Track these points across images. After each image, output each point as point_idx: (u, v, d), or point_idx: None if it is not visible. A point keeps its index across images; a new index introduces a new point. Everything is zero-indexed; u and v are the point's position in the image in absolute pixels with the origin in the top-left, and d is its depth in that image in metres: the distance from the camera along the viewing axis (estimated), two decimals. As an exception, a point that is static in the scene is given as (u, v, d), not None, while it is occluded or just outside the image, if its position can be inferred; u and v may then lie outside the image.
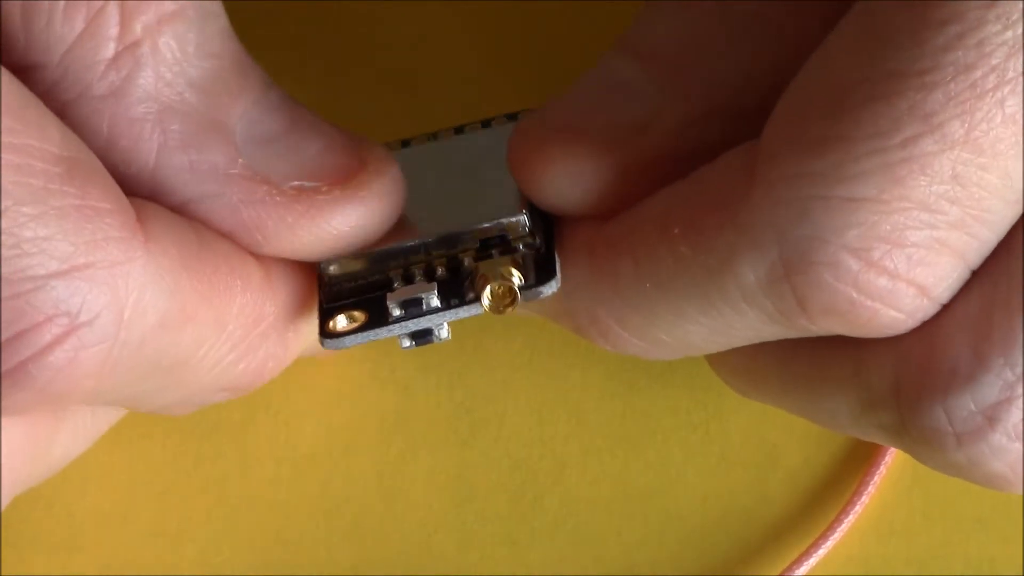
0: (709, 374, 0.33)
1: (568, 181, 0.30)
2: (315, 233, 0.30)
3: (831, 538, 0.36)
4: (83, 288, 0.27)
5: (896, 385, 0.28)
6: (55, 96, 0.28)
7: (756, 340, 0.29)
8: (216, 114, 0.29)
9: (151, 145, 0.29)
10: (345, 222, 0.30)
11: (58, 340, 0.27)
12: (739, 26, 0.30)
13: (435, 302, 0.31)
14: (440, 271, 0.31)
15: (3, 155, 0.26)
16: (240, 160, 0.29)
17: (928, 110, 0.26)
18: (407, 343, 0.31)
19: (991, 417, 0.27)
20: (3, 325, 0.27)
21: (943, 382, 0.28)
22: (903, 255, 0.26)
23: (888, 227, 0.26)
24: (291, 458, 0.36)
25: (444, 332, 0.31)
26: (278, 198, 0.30)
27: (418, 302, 0.31)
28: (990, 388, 0.27)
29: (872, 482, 0.36)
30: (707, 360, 0.32)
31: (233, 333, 0.30)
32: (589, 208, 0.30)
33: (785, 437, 0.36)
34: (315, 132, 0.30)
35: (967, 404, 0.27)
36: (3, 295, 0.27)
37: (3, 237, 0.26)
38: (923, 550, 0.36)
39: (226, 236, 0.30)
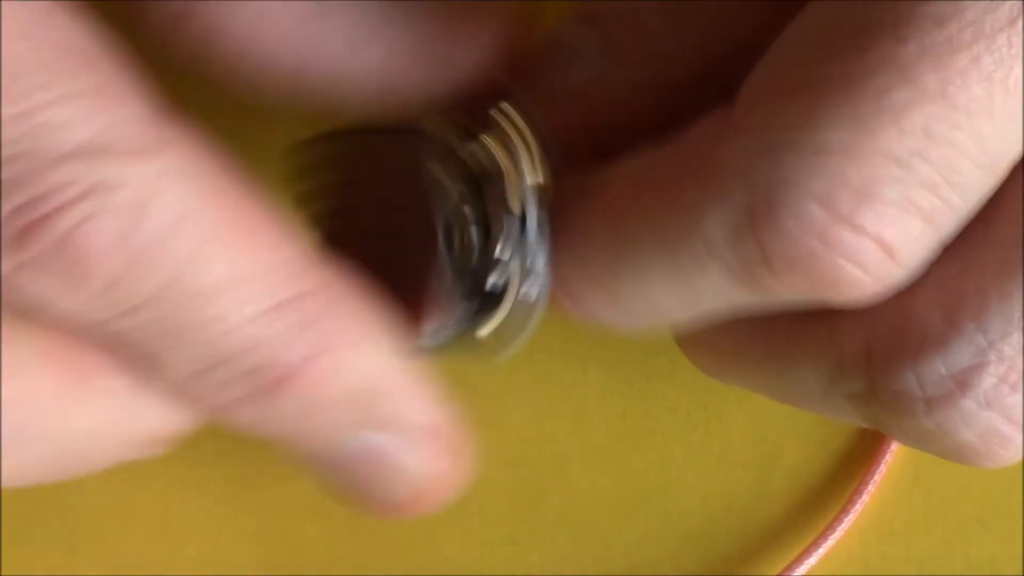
0: (709, 374, 0.33)
1: None
2: None
3: (831, 537, 0.36)
4: (102, 164, 0.27)
5: (867, 350, 0.28)
6: None
7: (722, 306, 0.28)
8: None
9: None
10: None
11: (74, 200, 0.27)
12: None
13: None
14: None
15: (35, 42, 0.27)
16: None
17: (902, 62, 0.25)
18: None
19: (962, 382, 0.27)
20: (19, 191, 0.27)
21: (914, 346, 0.27)
22: (871, 210, 0.26)
23: (857, 178, 0.26)
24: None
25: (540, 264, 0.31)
26: None
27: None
28: (961, 353, 0.27)
29: (872, 482, 0.36)
30: (678, 342, 0.32)
31: (262, 294, 0.29)
32: None
33: (785, 437, 0.36)
34: None
35: (938, 368, 0.27)
36: (26, 167, 0.27)
37: (29, 114, 0.27)
38: (923, 550, 0.36)
39: None
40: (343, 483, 0.31)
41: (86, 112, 0.28)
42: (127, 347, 0.30)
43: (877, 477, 0.36)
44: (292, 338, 0.30)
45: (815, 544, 0.35)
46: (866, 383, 0.28)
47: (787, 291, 0.27)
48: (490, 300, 0.31)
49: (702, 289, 0.28)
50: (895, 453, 0.36)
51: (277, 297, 0.30)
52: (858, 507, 0.35)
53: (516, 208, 0.31)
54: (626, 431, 0.36)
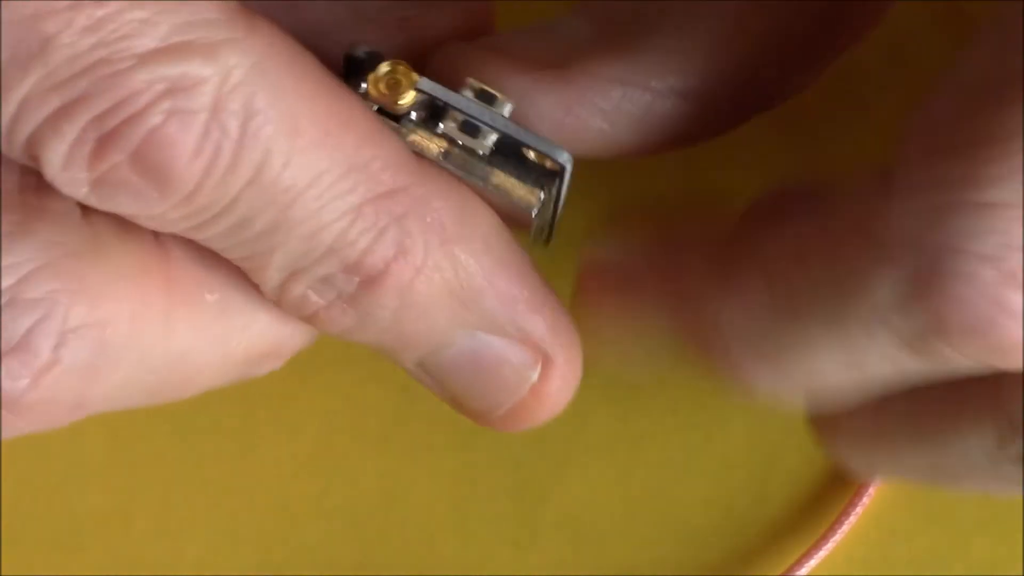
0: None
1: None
2: None
3: (832, 539, 0.36)
4: (177, 63, 0.27)
5: None
6: None
7: (889, 376, 0.27)
8: None
9: None
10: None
11: (151, 104, 0.27)
12: (701, 9, 0.30)
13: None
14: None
15: None
16: None
17: None
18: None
19: None
20: (97, 101, 0.27)
21: None
22: None
23: None
24: (291, 458, 0.36)
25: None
26: None
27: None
28: None
29: (872, 482, 0.36)
30: (816, 435, 0.31)
31: (350, 189, 0.29)
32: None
33: (786, 439, 0.36)
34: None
35: None
36: (102, 74, 0.27)
37: (103, 21, 0.27)
38: (924, 551, 0.36)
39: None
40: (453, 392, 0.31)
41: (158, 12, 0.27)
42: (219, 253, 0.29)
43: (876, 480, 0.36)
44: (381, 236, 0.29)
45: (816, 546, 0.35)
46: None
47: (962, 358, 0.26)
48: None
49: (870, 358, 0.27)
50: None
51: (366, 193, 0.29)
52: (858, 508, 0.35)
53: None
54: (627, 433, 0.36)
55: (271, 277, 0.30)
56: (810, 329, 0.27)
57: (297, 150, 0.28)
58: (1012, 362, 0.26)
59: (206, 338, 0.30)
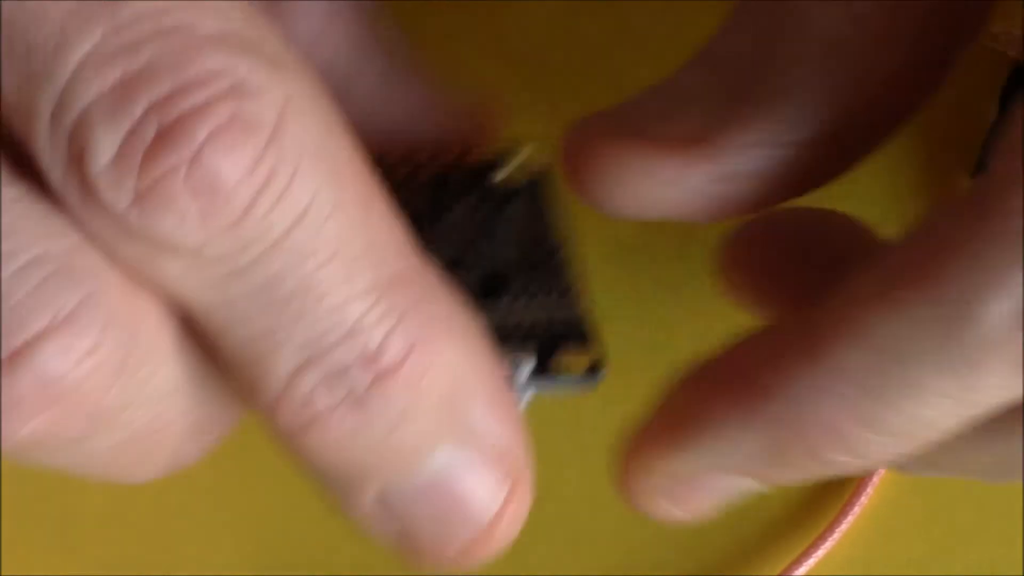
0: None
1: (619, 184, 0.29)
2: None
3: (831, 539, 0.36)
4: (248, 60, 0.24)
5: None
6: None
7: (998, 410, 0.26)
8: None
9: None
10: None
11: (222, 96, 0.24)
12: (823, 49, 0.28)
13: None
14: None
15: None
16: None
17: None
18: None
19: None
20: (170, 75, 0.24)
21: None
22: None
23: None
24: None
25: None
26: None
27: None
28: None
29: (872, 483, 0.36)
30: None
31: (371, 268, 0.26)
32: (634, 209, 0.29)
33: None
34: None
35: None
36: (176, 42, 0.24)
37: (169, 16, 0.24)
38: (923, 551, 0.36)
39: None
40: (410, 528, 0.28)
41: (231, 7, 0.24)
42: (225, 336, 0.26)
43: (876, 478, 0.36)
44: (402, 322, 0.26)
45: (815, 545, 0.35)
46: None
47: None
48: None
49: (983, 394, 0.26)
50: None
51: (389, 274, 0.26)
52: (857, 508, 0.36)
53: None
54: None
55: (283, 363, 0.26)
56: (911, 371, 0.26)
57: (338, 205, 0.25)
58: None
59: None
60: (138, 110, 0.23)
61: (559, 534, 0.36)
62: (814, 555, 0.35)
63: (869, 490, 0.36)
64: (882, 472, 0.36)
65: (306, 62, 0.25)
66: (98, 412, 0.25)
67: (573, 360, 0.31)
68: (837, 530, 0.36)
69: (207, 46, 0.24)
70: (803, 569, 0.35)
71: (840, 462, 0.27)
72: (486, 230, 0.32)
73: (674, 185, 0.29)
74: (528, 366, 0.30)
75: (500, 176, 0.33)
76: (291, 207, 0.25)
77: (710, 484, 0.28)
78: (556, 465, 0.36)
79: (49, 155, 0.24)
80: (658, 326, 0.37)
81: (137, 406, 0.26)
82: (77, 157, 0.24)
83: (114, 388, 0.25)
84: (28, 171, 0.24)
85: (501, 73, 0.38)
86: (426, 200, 0.32)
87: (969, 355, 0.25)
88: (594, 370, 0.31)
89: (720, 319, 0.30)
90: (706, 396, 0.28)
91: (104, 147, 0.23)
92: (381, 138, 0.31)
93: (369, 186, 0.26)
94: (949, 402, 0.26)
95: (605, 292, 0.36)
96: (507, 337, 0.31)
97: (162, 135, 0.23)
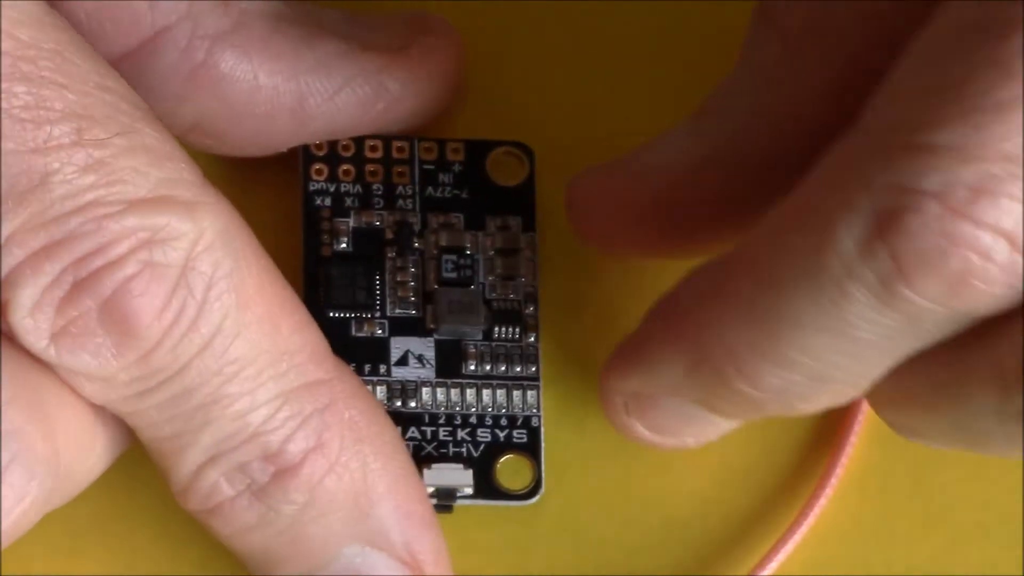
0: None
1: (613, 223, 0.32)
2: None
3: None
4: (158, 215, 0.28)
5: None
6: None
7: (884, 351, 0.28)
8: None
9: None
10: None
11: (134, 250, 0.28)
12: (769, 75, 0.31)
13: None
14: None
15: (103, 94, 0.28)
16: None
17: (1003, 60, 0.26)
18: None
19: None
20: (87, 241, 0.28)
21: None
22: (987, 203, 0.26)
23: (970, 176, 0.26)
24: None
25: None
26: None
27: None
28: None
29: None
30: (872, 406, 0.31)
31: (283, 374, 0.30)
32: (637, 244, 0.32)
33: (786, 437, 0.36)
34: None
35: None
36: (95, 214, 0.28)
37: (102, 164, 0.28)
38: (924, 555, 0.36)
39: None
40: None
41: (147, 163, 0.28)
42: (142, 432, 0.30)
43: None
44: (304, 425, 0.30)
45: (775, 549, 0.35)
46: None
47: (926, 301, 0.27)
48: None
49: (854, 325, 0.27)
50: (895, 457, 0.36)
51: (295, 380, 0.30)
52: (816, 510, 0.35)
53: None
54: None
55: (190, 460, 0.30)
56: (793, 302, 0.28)
57: (246, 323, 0.29)
58: (973, 301, 0.27)
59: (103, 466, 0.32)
60: (56, 268, 0.28)
61: (559, 534, 0.36)
62: (775, 558, 0.35)
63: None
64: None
65: (220, 196, 0.30)
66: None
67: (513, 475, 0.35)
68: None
69: (121, 213, 0.28)
70: (769, 569, 0.35)
71: (752, 394, 0.29)
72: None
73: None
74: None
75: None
76: (198, 337, 0.29)
77: (664, 405, 0.32)
78: (556, 466, 0.36)
79: None
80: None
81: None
82: (4, 308, 0.28)
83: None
84: None
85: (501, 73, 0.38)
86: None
87: (831, 284, 0.27)
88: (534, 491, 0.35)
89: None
90: (648, 325, 0.31)
91: (24, 300, 0.28)
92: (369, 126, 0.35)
93: (280, 303, 0.30)
94: (827, 335, 0.28)
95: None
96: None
97: (78, 285, 0.28)
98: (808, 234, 0.27)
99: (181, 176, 0.29)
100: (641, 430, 0.32)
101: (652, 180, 0.32)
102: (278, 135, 0.33)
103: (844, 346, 0.28)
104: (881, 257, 0.26)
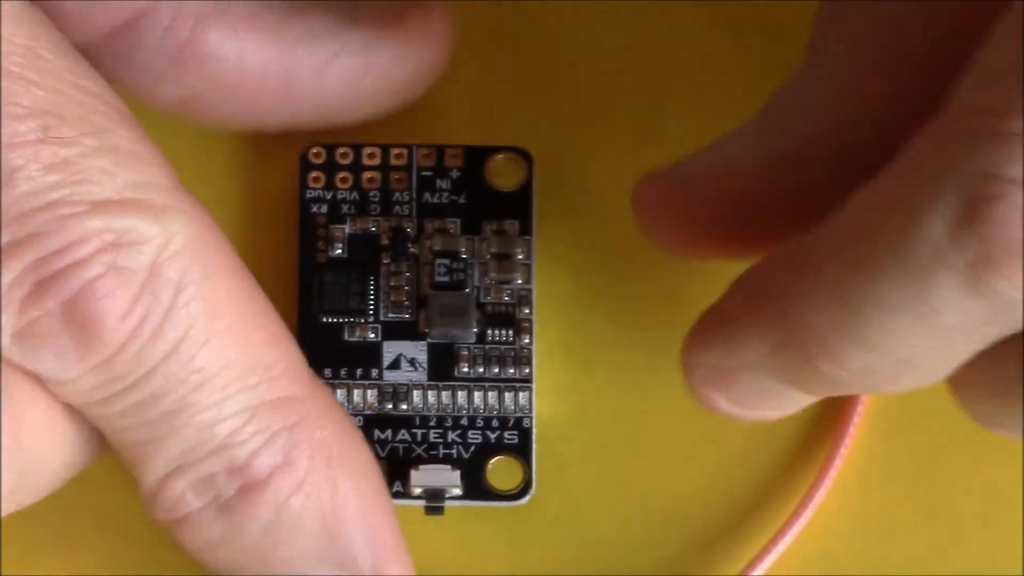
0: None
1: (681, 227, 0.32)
2: None
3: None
4: (126, 217, 0.28)
5: None
6: None
7: (971, 338, 0.28)
8: None
9: None
10: None
11: (99, 252, 0.28)
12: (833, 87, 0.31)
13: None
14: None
15: (75, 93, 0.28)
16: None
17: None
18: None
19: None
20: (50, 240, 0.28)
21: None
22: None
23: None
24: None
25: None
26: None
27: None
28: None
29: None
30: (953, 393, 0.31)
31: (252, 388, 0.30)
32: (709, 247, 0.32)
33: (788, 437, 0.36)
34: None
35: None
36: (60, 213, 0.27)
37: (68, 163, 0.28)
38: (925, 547, 0.36)
39: None
40: None
41: (116, 164, 0.28)
42: (110, 436, 0.30)
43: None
44: (272, 441, 0.30)
45: (788, 535, 0.35)
46: None
47: (1012, 289, 0.26)
48: None
49: (943, 310, 0.27)
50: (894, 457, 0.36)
51: (265, 394, 0.30)
52: (816, 501, 0.35)
53: None
54: (627, 431, 0.36)
55: (156, 468, 0.30)
56: (880, 286, 0.27)
57: (214, 333, 0.29)
58: None
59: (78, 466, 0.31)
60: (17, 267, 0.27)
61: (559, 534, 0.36)
62: (775, 549, 0.35)
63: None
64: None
65: (195, 203, 0.29)
66: None
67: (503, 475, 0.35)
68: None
69: (86, 213, 0.28)
70: (768, 561, 0.35)
71: (836, 374, 0.28)
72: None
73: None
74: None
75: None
76: (163, 343, 0.28)
77: (745, 380, 0.31)
78: (557, 465, 0.36)
79: None
80: (653, 317, 0.37)
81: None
82: None
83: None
84: None
85: (499, 72, 0.38)
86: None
87: (920, 270, 0.27)
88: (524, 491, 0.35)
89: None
90: (732, 300, 0.30)
91: None
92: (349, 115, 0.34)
93: (254, 315, 0.30)
94: (913, 319, 0.27)
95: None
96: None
97: (40, 285, 0.27)
98: (896, 217, 0.27)
99: (153, 180, 0.29)
100: (722, 402, 0.32)
101: (721, 182, 0.32)
102: (267, 110, 0.33)
103: (929, 331, 0.27)
104: (969, 244, 0.26)
